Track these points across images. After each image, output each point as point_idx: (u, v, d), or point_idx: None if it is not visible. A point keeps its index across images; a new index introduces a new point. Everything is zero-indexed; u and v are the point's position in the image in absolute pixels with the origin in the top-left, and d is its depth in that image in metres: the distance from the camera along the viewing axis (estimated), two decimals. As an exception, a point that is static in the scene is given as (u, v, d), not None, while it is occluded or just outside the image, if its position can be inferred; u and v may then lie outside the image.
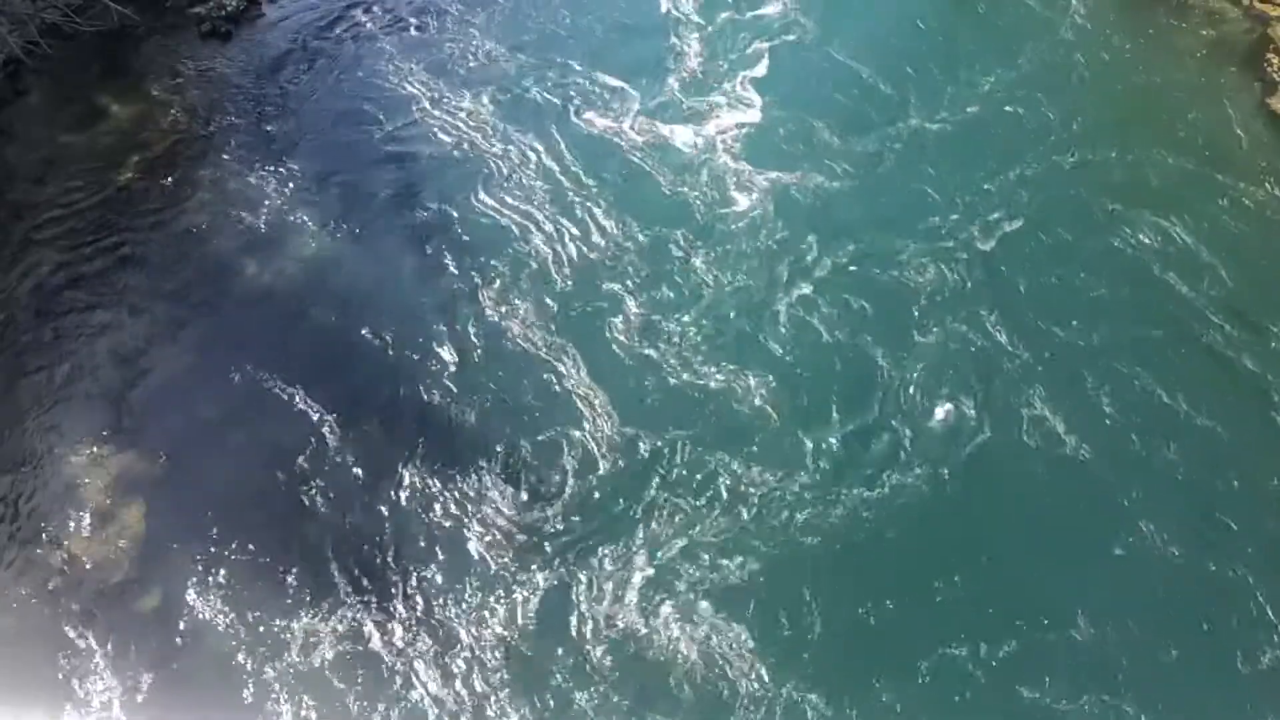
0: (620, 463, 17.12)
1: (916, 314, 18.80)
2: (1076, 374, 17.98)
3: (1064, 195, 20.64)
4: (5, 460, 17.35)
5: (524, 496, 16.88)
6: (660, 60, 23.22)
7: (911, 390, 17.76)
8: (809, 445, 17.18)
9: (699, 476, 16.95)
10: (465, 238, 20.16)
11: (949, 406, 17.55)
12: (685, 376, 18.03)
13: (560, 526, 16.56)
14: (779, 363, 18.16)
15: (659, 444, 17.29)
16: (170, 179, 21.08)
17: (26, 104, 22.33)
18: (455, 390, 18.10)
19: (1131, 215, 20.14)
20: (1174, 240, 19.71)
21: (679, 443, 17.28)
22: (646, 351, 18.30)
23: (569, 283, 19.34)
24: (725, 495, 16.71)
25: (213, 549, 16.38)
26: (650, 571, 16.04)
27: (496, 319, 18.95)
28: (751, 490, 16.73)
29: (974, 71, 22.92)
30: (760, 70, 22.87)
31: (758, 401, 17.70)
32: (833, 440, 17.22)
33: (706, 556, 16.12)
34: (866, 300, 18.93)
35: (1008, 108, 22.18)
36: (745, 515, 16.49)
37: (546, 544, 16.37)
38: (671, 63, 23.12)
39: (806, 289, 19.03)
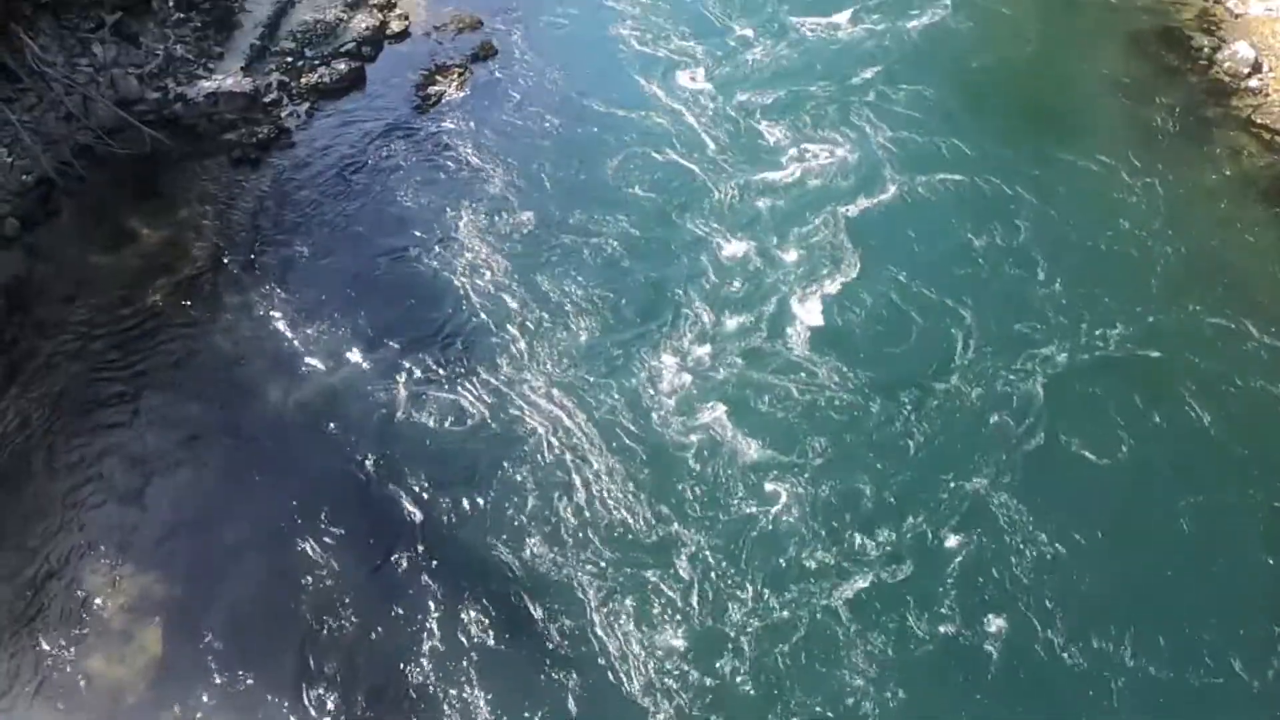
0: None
1: (961, 594, 17.55)
2: (1131, 582, 17.67)
3: (1106, 392, 20.01)
4: (23, 577, 17.65)
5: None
6: (689, 304, 21.65)
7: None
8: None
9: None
10: (488, 399, 20.12)
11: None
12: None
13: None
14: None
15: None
16: (197, 303, 21.82)
17: (58, 224, 23.00)
18: (474, 556, 17.92)
19: (1183, 401, 19.69)
20: (1224, 413, 19.48)
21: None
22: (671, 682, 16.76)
23: (590, 534, 18.24)
24: None
25: (229, 674, 16.68)
26: None
27: (515, 497, 18.68)
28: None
29: (1002, 271, 22.21)
30: (793, 330, 21.13)
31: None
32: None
33: None
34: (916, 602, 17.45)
35: (1048, 311, 21.29)
36: None
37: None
38: (698, 313, 21.51)
39: (846, 614, 17.34)
